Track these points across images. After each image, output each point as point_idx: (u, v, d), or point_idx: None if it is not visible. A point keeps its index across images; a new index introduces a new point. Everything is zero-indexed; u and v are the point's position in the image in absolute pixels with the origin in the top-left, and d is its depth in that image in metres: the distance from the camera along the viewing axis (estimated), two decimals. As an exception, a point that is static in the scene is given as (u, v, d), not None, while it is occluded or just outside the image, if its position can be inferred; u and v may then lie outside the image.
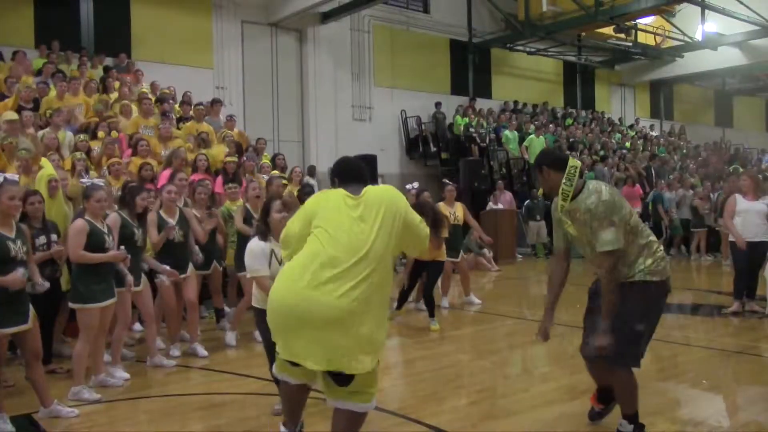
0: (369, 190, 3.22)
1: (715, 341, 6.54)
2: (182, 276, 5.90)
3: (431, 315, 7.06)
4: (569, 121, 19.94)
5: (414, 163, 17.32)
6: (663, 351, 5.81)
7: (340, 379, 3.08)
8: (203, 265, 6.32)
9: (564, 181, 3.55)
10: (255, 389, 4.96)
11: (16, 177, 4.57)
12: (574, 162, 3.59)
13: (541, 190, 6.15)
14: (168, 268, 5.70)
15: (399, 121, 17.45)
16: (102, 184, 5.30)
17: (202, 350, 5.95)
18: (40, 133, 8.01)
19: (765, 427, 4.22)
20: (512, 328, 7.26)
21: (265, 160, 9.91)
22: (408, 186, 8.37)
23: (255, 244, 4.15)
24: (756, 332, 6.95)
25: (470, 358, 5.98)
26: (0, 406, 4.12)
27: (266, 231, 4.16)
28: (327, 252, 3.01)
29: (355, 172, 3.35)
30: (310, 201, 3.31)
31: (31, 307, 4.21)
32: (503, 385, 5.16)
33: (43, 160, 7.12)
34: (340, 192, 3.22)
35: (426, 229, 3.31)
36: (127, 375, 5.24)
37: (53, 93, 9.61)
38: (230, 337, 6.34)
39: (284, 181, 8.07)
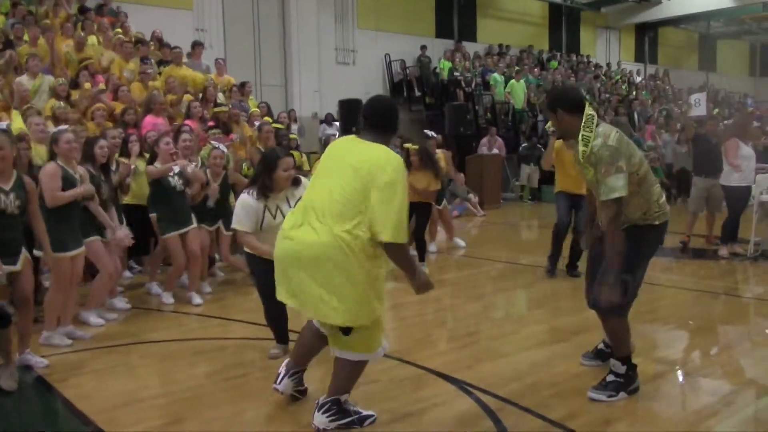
0: (369, 147, 3.11)
1: (700, 283, 6.68)
2: (185, 230, 5.83)
3: (421, 259, 7.09)
4: (554, 64, 19.77)
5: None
6: (646, 294, 5.93)
7: (340, 327, 3.14)
8: (211, 220, 6.26)
9: (583, 127, 3.49)
10: (249, 334, 4.99)
11: (5, 124, 4.44)
12: (589, 110, 3.53)
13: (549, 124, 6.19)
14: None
15: (383, 64, 17.17)
16: (67, 128, 5.20)
17: (197, 299, 5.94)
18: (18, 79, 7.74)
19: (746, 365, 4.37)
20: (499, 272, 7.35)
21: (253, 108, 9.70)
22: (428, 132, 8.22)
23: (250, 200, 4.10)
24: (739, 274, 7.11)
25: (459, 302, 6.05)
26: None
27: (268, 188, 4.08)
28: (309, 197, 3.11)
29: (383, 119, 3.23)
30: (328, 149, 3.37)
31: (24, 251, 4.16)
32: (493, 327, 5.24)
33: (14, 113, 6.93)
34: (351, 138, 3.18)
35: (400, 221, 2.98)
36: (102, 321, 5.24)
37: (26, 37, 9.25)
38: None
39: (279, 125, 7.91)
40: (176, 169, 5.78)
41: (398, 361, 4.30)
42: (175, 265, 5.87)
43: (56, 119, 6.89)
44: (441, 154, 7.82)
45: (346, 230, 2.96)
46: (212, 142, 6.97)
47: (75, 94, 7.99)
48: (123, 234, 5.35)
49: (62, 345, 4.68)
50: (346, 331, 3.14)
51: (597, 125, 3.52)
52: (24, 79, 7.75)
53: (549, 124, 4.88)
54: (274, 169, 4.10)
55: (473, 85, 16.37)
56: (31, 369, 4.26)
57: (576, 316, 5.18)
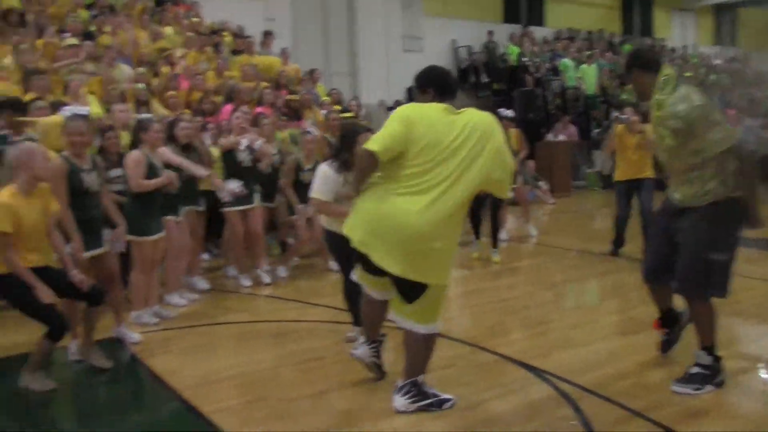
0: (470, 111, 3.19)
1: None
2: (246, 207, 5.99)
3: (494, 246, 7.05)
4: (627, 47, 19.13)
5: (465, 95, 16.95)
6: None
7: (408, 295, 3.21)
8: (267, 197, 6.40)
9: (658, 90, 3.39)
10: (325, 317, 5.08)
11: (85, 110, 4.66)
12: (668, 70, 3.42)
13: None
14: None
15: (450, 51, 17.04)
16: (152, 116, 5.41)
17: (266, 277, 6.09)
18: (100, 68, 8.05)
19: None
20: (572, 260, 7.22)
21: (322, 95, 9.79)
22: (503, 111, 8.14)
23: (330, 172, 4.15)
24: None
25: (532, 290, 5.99)
26: (73, 332, 4.31)
27: (348, 162, 4.13)
28: (417, 166, 3.10)
29: (453, 87, 3.33)
30: (405, 113, 3.22)
31: (107, 231, 4.36)
32: (567, 316, 5.16)
33: (91, 98, 7.21)
34: (441, 107, 3.18)
35: (510, 168, 3.27)
36: (184, 301, 5.45)
37: (108, 29, 9.62)
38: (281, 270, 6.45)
39: (348, 114, 7.96)
40: (245, 142, 5.92)
41: (472, 347, 4.30)
42: (232, 238, 6.02)
43: (139, 104, 7.15)
44: (513, 132, 7.72)
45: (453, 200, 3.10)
46: (306, 127, 7.06)
47: (153, 83, 8.26)
48: (234, 186, 5.68)
49: (150, 323, 4.90)
50: (411, 297, 3.21)
51: (676, 88, 3.39)
52: (105, 68, 8.07)
53: (627, 90, 4.78)
54: (353, 145, 4.15)
55: (542, 71, 16.04)
56: (123, 345, 4.47)
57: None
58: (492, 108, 14.78)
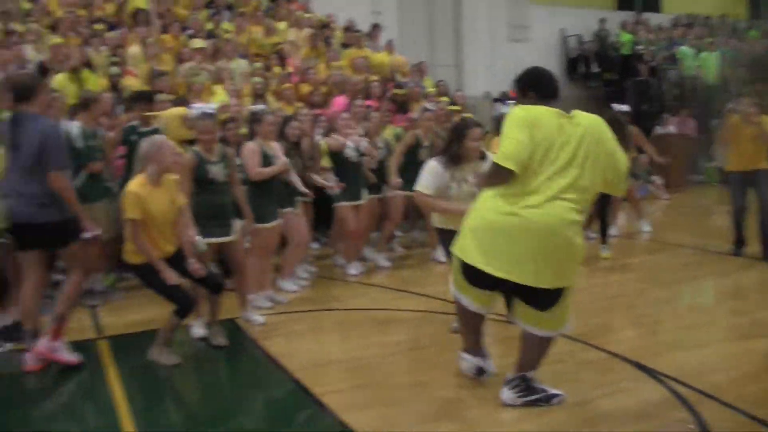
0: (579, 114, 3.14)
1: None
2: (356, 203, 6.18)
3: (604, 242, 6.85)
4: (754, 33, 17.86)
5: (574, 85, 16.45)
6: None
7: (544, 303, 3.16)
8: (376, 189, 6.52)
9: None
10: (430, 308, 5.13)
11: (211, 108, 4.95)
12: None
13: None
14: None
15: (558, 40, 16.57)
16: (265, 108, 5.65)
17: (383, 261, 6.36)
18: (217, 64, 8.48)
19: None
20: (688, 258, 6.87)
21: (429, 87, 9.79)
22: (617, 106, 7.96)
23: (438, 167, 4.17)
24: None
25: (645, 287, 5.76)
26: (198, 311, 4.57)
27: (458, 157, 4.14)
28: (535, 173, 3.04)
29: (555, 89, 3.29)
30: (523, 117, 3.12)
31: (237, 221, 4.61)
32: (683, 316, 4.93)
33: (218, 88, 7.63)
34: (551, 110, 3.14)
35: (624, 168, 3.18)
36: (296, 287, 5.66)
37: (226, 26, 10.10)
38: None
39: (455, 107, 7.94)
40: (351, 145, 6.08)
41: (583, 344, 4.21)
42: (345, 232, 6.18)
43: (255, 97, 7.47)
44: (632, 130, 7.58)
45: (576, 204, 3.05)
46: (426, 104, 7.12)
47: (268, 76, 8.60)
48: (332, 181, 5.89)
49: (264, 307, 5.13)
50: (544, 306, 3.16)
51: None
52: (223, 63, 8.49)
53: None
54: (463, 139, 4.15)
55: (657, 59, 15.28)
56: (240, 329, 4.72)
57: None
58: (603, 99, 14.37)
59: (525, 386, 3.30)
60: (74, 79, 7.07)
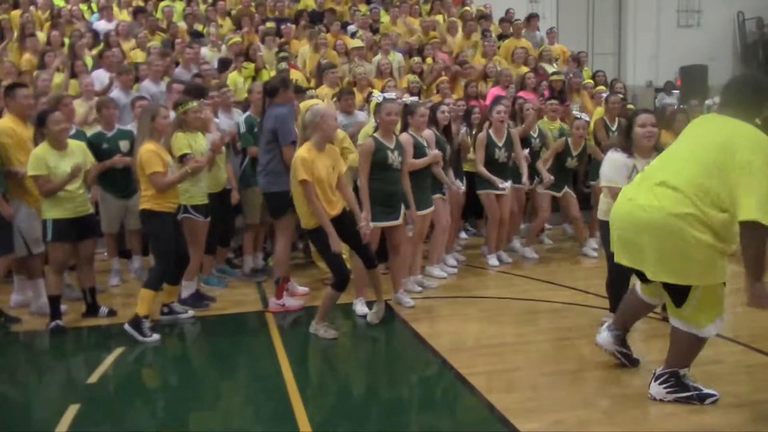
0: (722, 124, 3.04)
1: None
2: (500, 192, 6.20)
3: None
4: None
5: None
6: None
7: (674, 298, 3.14)
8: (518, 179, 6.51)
9: None
10: (578, 300, 5.10)
11: (393, 95, 5.32)
12: None
13: None
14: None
15: (734, 24, 15.32)
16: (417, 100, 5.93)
17: (531, 253, 6.51)
18: (375, 58, 8.84)
19: None
20: None
21: (587, 78, 9.48)
22: None
23: (618, 156, 4.09)
24: None
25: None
26: (360, 292, 4.92)
27: (630, 145, 4.07)
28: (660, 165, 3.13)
29: (731, 94, 3.13)
30: None
31: (403, 207, 4.93)
32: None
33: (377, 83, 7.95)
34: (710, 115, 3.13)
35: (760, 201, 2.80)
36: (444, 274, 5.84)
37: (386, 18, 10.48)
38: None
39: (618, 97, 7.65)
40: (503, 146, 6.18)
41: (744, 346, 4.01)
42: (491, 220, 6.25)
43: (411, 92, 7.71)
44: None
45: (690, 203, 2.93)
46: (575, 113, 7.00)
47: (424, 69, 8.82)
48: (457, 187, 5.96)
49: (414, 291, 5.37)
50: (679, 301, 3.12)
51: None
52: (379, 57, 8.83)
53: None
54: (631, 126, 4.09)
55: None
56: (391, 309, 4.99)
57: None
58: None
59: (675, 382, 3.23)
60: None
